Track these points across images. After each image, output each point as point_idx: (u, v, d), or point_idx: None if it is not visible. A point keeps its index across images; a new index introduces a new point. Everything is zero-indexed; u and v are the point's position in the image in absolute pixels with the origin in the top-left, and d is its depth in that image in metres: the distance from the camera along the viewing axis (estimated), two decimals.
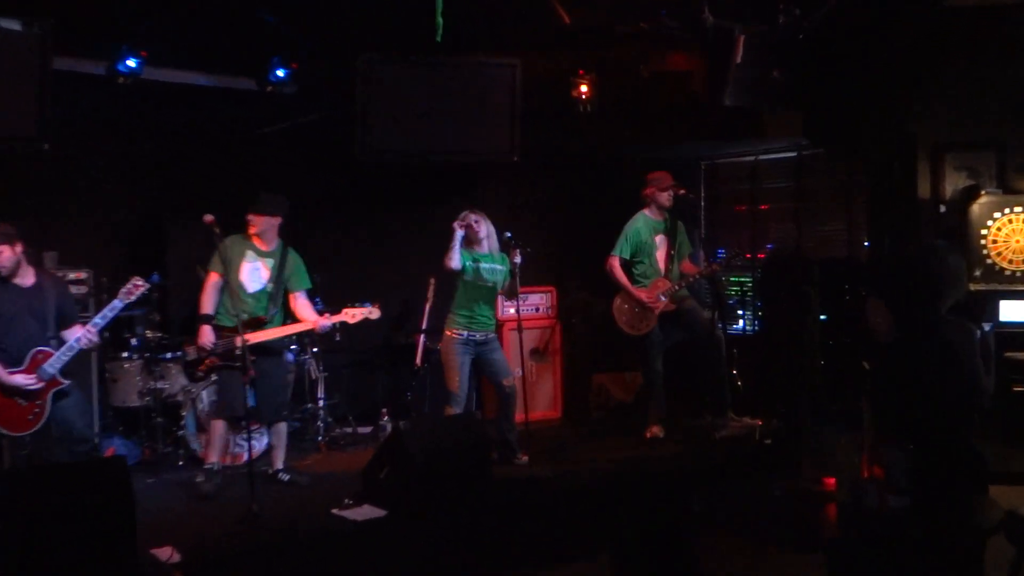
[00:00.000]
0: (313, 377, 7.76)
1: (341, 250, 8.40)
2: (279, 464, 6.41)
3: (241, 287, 6.14)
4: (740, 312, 9.08)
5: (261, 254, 6.26)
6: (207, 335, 6.05)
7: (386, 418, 7.87)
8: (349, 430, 7.85)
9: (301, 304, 6.33)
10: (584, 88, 8.03)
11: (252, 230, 6.20)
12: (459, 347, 6.66)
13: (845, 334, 7.45)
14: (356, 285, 7.80)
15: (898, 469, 3.88)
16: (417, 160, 7.88)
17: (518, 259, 6.70)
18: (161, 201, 7.88)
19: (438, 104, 7.67)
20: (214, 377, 6.28)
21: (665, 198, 7.43)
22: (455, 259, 6.53)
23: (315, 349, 7.74)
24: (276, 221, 6.28)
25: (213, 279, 6.13)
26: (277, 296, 6.22)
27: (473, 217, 6.61)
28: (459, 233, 6.56)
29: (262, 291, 6.19)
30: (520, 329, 7.00)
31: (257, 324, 6.10)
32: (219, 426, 6.32)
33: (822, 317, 7.64)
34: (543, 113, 8.16)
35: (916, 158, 7.21)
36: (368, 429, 7.93)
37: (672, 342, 7.57)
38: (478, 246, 6.72)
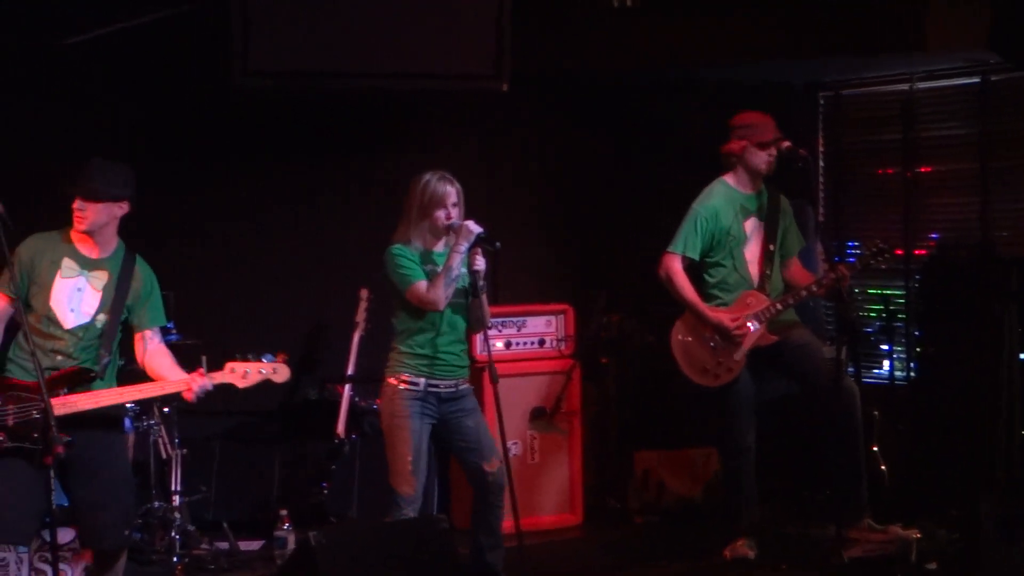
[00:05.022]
0: (164, 456, 7.79)
1: (206, 243, 8.53)
2: None
3: (52, 318, 6.12)
4: (886, 347, 9.06)
5: (88, 265, 6.21)
6: None
7: (286, 527, 7.79)
8: (224, 546, 7.85)
9: (155, 351, 6.37)
10: None
11: (81, 225, 6.14)
12: (411, 406, 6.70)
13: None
14: (231, 304, 7.93)
15: None
16: (336, 89, 7.98)
17: (480, 265, 6.68)
18: None
19: None
20: None
21: (763, 158, 7.43)
22: (449, 291, 6.60)
23: (166, 409, 7.79)
24: (120, 210, 6.25)
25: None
26: (113, 333, 6.22)
27: (452, 191, 6.73)
28: (475, 232, 6.61)
29: (88, 325, 6.16)
30: (495, 378, 6.81)
31: (79, 380, 6.07)
32: None
33: None
34: (551, 11, 8.31)
35: None
36: (256, 545, 7.97)
37: (771, 398, 7.65)
38: (441, 238, 6.78)
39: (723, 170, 7.51)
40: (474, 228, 6.63)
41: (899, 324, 8.94)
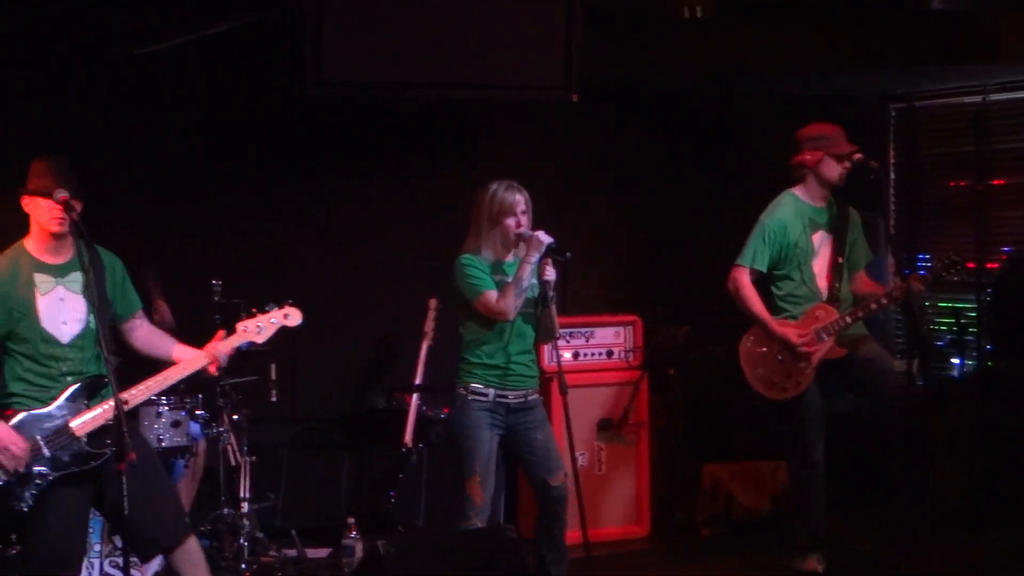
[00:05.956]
0: (232, 463, 7.80)
1: (275, 252, 8.61)
2: None
3: (48, 339, 6.02)
4: (956, 361, 8.99)
5: (58, 272, 6.10)
6: (15, 442, 5.79)
7: (354, 535, 7.82)
8: (292, 553, 7.88)
9: (150, 333, 6.37)
10: None
11: (64, 227, 5.98)
12: (480, 416, 6.72)
13: None
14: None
15: None
16: (406, 99, 8.03)
17: (551, 275, 6.69)
18: None
19: (444, 5, 7.73)
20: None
21: (837, 170, 7.42)
22: (519, 301, 6.59)
23: (235, 417, 7.79)
24: (80, 207, 6.08)
25: None
26: (107, 330, 6.05)
27: (521, 200, 6.73)
28: (546, 242, 6.61)
29: (85, 332, 6.08)
30: (564, 389, 6.85)
31: (95, 389, 6.03)
32: None
33: None
34: (621, 22, 8.25)
35: None
36: (324, 552, 8.00)
37: (840, 411, 7.60)
38: (511, 248, 6.80)
39: (791, 183, 7.51)
40: (544, 238, 6.63)
41: (970, 338, 8.89)
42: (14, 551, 6.90)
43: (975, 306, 8.90)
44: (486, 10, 7.81)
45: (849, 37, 8.21)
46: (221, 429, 7.68)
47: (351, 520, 7.85)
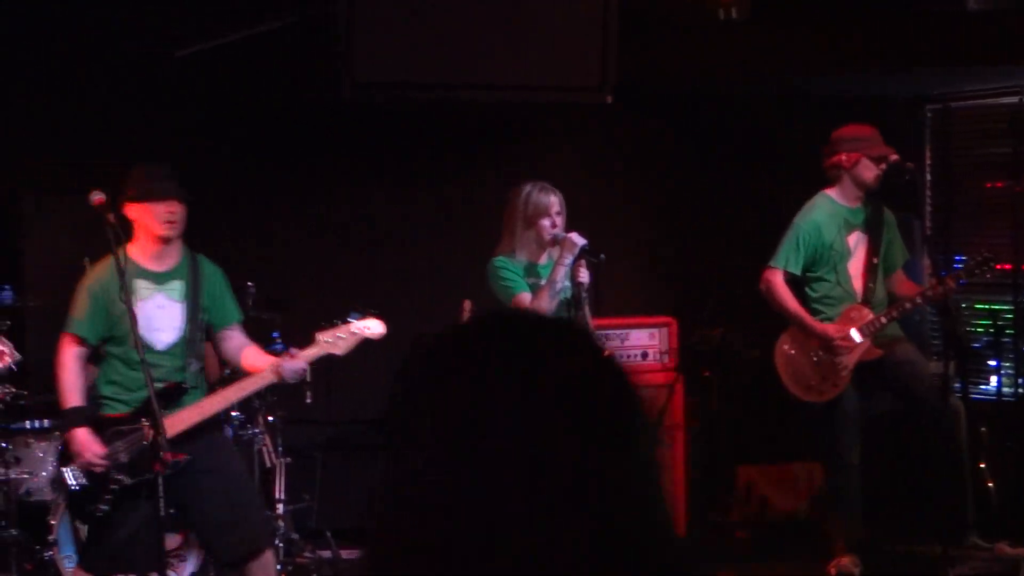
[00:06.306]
0: (268, 465, 7.83)
1: (309, 253, 8.62)
2: None
3: (144, 345, 6.03)
4: (993, 362, 8.97)
5: (160, 279, 6.17)
6: (89, 445, 5.91)
7: None
8: (327, 554, 7.93)
9: (241, 346, 6.34)
10: None
11: (174, 231, 6.07)
12: None
13: None
14: (336, 315, 7.79)
15: None
16: (441, 101, 8.05)
17: (585, 277, 6.68)
18: (16, 168, 8.05)
19: (478, 7, 7.76)
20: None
21: (874, 171, 7.42)
22: (553, 303, 6.61)
23: (271, 418, 7.83)
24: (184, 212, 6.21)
25: (76, 348, 6.04)
26: (196, 339, 6.21)
27: (555, 201, 6.77)
28: (580, 244, 6.60)
29: (180, 340, 6.16)
30: None
31: (175, 397, 6.06)
32: None
33: None
34: (657, 24, 8.26)
35: None
36: (359, 554, 7.84)
37: (876, 414, 7.61)
38: (545, 249, 6.84)
39: (827, 183, 7.52)
40: (578, 240, 6.64)
41: (1007, 339, 8.88)
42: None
43: (1012, 307, 8.88)
44: (521, 12, 7.82)
45: (884, 38, 8.21)
46: (256, 431, 7.70)
47: None
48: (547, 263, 6.78)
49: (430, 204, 8.89)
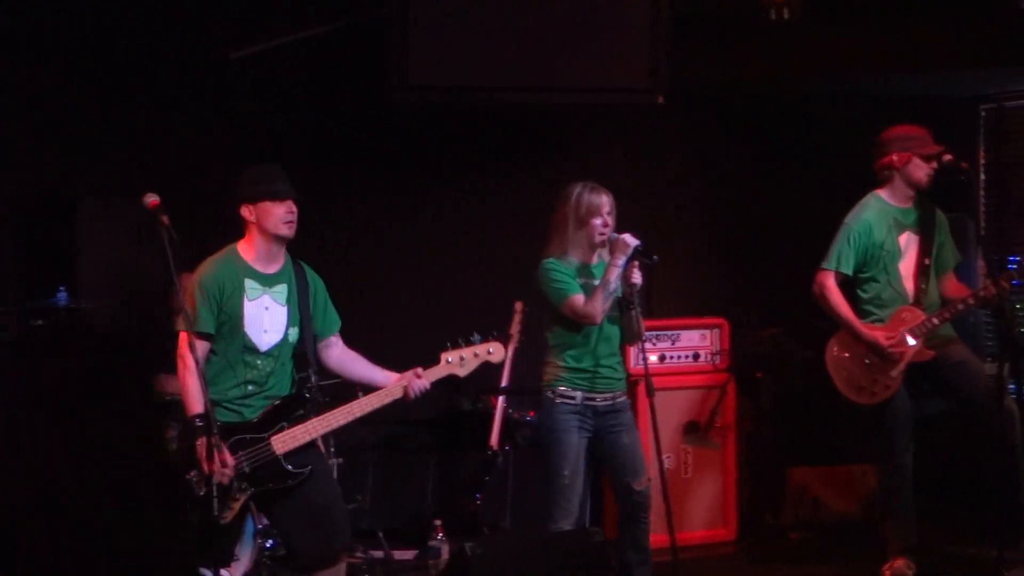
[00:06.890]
0: None
1: (360, 255, 8.64)
2: None
3: (248, 345, 6.08)
4: None
5: (267, 281, 6.17)
6: (223, 457, 5.81)
7: (440, 536, 7.94)
8: (379, 554, 7.94)
9: (345, 354, 6.39)
10: None
11: (291, 231, 6.09)
12: (569, 420, 6.72)
13: None
14: (385, 315, 8.32)
15: None
16: (491, 103, 8.01)
17: (638, 278, 6.64)
18: (72, 170, 8.05)
19: (528, 9, 7.79)
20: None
21: (926, 171, 7.37)
22: (606, 305, 6.57)
23: None
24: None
25: (199, 345, 5.92)
26: (303, 345, 6.23)
27: (606, 201, 6.72)
28: (632, 245, 6.57)
29: (283, 343, 6.14)
30: (651, 391, 6.82)
31: (294, 409, 6.08)
32: None
33: None
34: (708, 25, 8.31)
35: None
36: (410, 554, 8.07)
37: (930, 415, 7.58)
38: (596, 250, 6.79)
39: (878, 184, 7.46)
40: (631, 241, 6.62)
41: None
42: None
43: None
44: (571, 13, 7.89)
45: (938, 38, 8.23)
46: None
47: (438, 522, 7.94)
48: (599, 264, 6.74)
49: (483, 205, 8.88)
